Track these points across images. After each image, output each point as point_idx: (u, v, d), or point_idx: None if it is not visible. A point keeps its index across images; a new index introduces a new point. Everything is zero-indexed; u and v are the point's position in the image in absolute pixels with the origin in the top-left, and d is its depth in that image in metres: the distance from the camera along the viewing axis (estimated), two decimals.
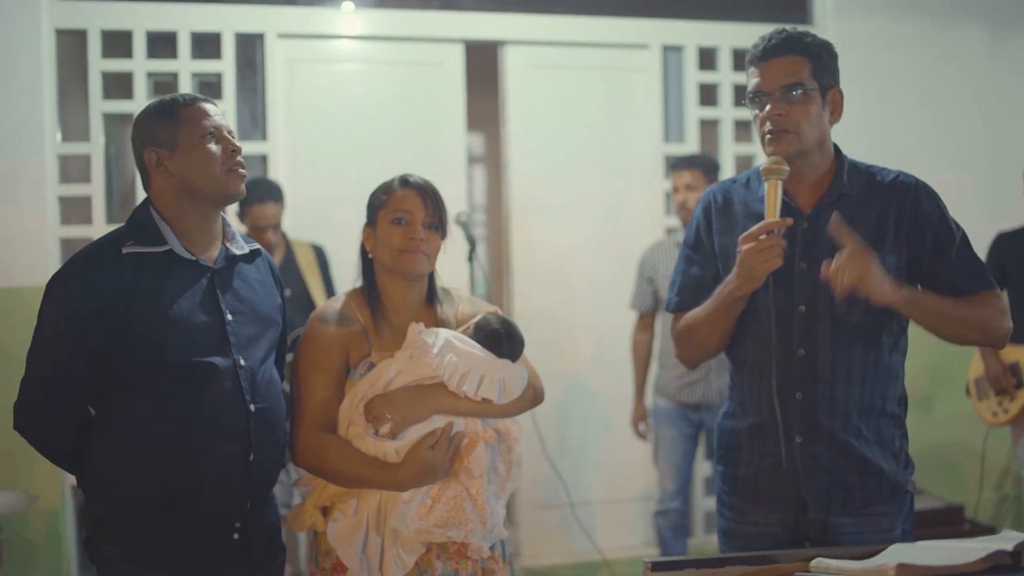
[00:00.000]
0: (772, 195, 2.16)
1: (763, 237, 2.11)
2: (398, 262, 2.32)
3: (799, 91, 2.19)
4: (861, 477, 2.22)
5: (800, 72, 2.20)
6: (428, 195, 2.35)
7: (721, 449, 2.40)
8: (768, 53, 2.23)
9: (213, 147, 2.12)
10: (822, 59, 2.24)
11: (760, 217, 2.20)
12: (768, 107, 2.20)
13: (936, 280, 2.25)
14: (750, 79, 2.26)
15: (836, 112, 2.28)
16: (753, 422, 2.28)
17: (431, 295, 2.42)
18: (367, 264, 2.40)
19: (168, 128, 2.12)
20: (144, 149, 2.14)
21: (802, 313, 2.22)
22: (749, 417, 2.29)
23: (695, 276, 2.37)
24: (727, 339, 2.33)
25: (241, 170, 2.16)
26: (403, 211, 2.32)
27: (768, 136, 2.21)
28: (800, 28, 2.28)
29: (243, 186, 2.18)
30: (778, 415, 2.21)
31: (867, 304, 2.15)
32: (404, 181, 2.37)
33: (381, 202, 2.36)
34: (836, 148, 2.33)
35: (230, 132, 2.17)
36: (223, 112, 2.21)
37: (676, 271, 2.43)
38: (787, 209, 2.23)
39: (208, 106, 2.16)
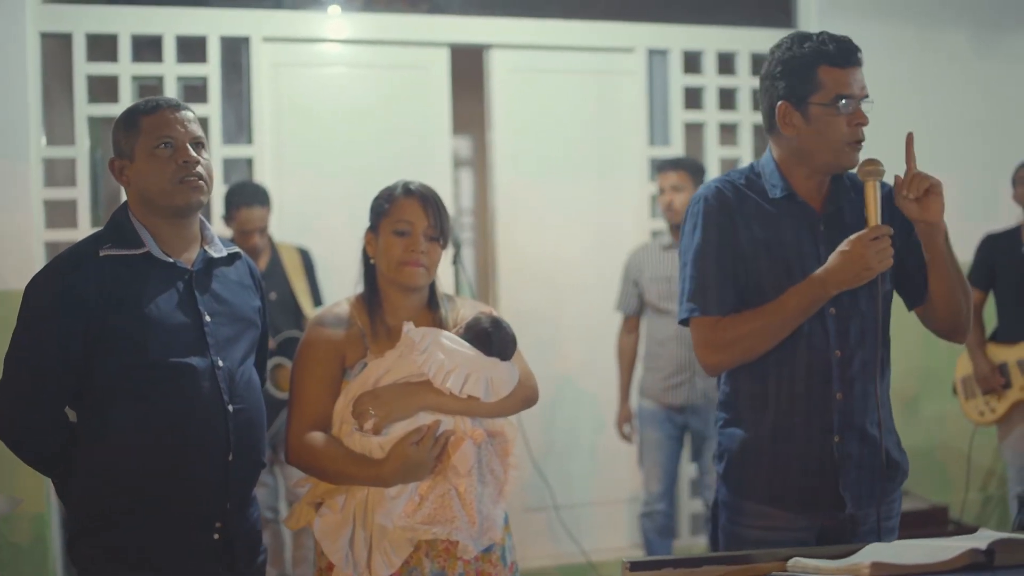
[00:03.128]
0: (872, 197, 2.14)
1: (875, 239, 2.11)
2: (397, 274, 2.31)
3: (870, 105, 2.22)
4: (886, 469, 2.24)
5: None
6: (430, 204, 2.33)
7: (733, 455, 2.29)
8: (851, 60, 2.21)
9: (165, 157, 2.09)
10: None
11: (775, 211, 2.23)
12: (853, 112, 2.18)
13: (912, 281, 2.29)
14: (826, 76, 2.19)
15: None
16: (778, 424, 2.24)
17: (432, 301, 2.41)
18: (369, 268, 2.39)
19: (128, 138, 2.12)
20: (111, 159, 2.15)
21: (832, 315, 2.21)
22: (771, 419, 2.24)
23: (732, 275, 2.22)
24: None
25: (198, 181, 2.11)
26: (405, 221, 2.31)
27: (857, 143, 2.21)
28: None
29: (199, 197, 2.12)
30: (817, 415, 2.21)
31: (885, 297, 2.21)
32: (407, 189, 2.34)
33: (383, 210, 2.34)
34: None
35: (195, 141, 2.13)
36: (195, 118, 2.16)
37: (700, 274, 2.24)
38: (806, 211, 2.25)
39: (173, 114, 2.12)
